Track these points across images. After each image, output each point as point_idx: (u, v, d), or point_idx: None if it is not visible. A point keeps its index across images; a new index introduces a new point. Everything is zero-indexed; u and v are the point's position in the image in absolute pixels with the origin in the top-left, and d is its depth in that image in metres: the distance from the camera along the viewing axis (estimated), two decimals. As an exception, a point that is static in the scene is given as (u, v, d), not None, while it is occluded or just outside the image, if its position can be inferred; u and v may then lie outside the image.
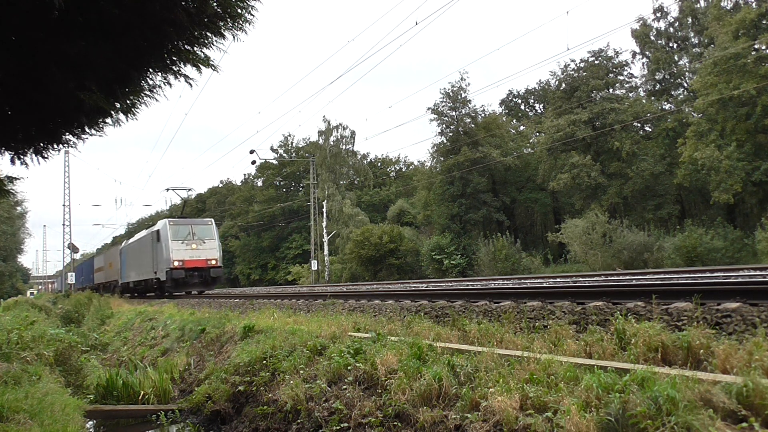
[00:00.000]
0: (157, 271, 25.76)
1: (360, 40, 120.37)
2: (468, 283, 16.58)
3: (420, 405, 4.64)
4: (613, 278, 11.30)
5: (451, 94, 39.38)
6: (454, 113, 39.89)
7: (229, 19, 5.04)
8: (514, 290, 8.52)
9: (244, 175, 79.39)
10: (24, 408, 6.15)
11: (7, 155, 6.10)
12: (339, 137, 51.68)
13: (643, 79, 37.55)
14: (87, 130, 6.03)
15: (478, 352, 5.10)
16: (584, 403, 3.59)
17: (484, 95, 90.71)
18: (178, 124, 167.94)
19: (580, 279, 12.10)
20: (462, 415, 4.24)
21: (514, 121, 51.51)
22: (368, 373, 5.64)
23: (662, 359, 4.33)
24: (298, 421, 5.96)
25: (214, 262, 25.45)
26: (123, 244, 37.50)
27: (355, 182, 60.00)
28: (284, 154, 69.73)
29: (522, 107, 55.50)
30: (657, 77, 36.32)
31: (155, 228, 27.05)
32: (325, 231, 47.42)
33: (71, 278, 48.24)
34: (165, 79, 5.52)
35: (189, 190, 30.93)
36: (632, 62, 37.54)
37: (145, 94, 5.73)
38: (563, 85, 37.18)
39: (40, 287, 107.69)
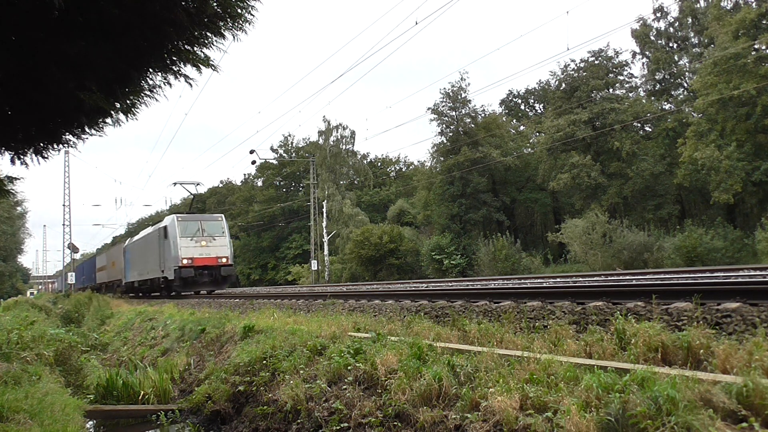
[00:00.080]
0: (165, 270, 24.48)
1: (360, 39, 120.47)
2: (468, 283, 16.58)
3: (420, 405, 4.64)
4: (613, 278, 11.31)
5: (451, 94, 39.40)
6: (454, 113, 39.91)
7: (229, 19, 5.04)
8: (514, 290, 8.52)
9: (244, 175, 79.45)
10: (24, 408, 6.15)
11: (7, 155, 6.11)
12: (339, 137, 51.70)
13: (643, 79, 37.59)
14: (87, 130, 6.03)
15: (478, 352, 5.10)
16: (584, 403, 3.59)
17: (484, 95, 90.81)
18: (178, 124, 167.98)
19: (580, 279, 12.10)
20: (462, 415, 4.24)
21: (514, 121, 51.53)
22: (368, 373, 5.64)
23: (662, 359, 4.33)
24: (298, 421, 5.96)
25: (225, 260, 24.10)
26: (127, 242, 36.12)
27: (355, 182, 60.01)
28: (284, 154, 69.75)
29: (522, 107, 55.51)
30: (657, 77, 36.34)
31: (162, 224, 25.67)
32: (325, 231, 47.43)
33: (71, 278, 48.01)
34: (165, 79, 5.53)
35: (197, 184, 28.65)
36: (632, 62, 37.62)
37: (145, 94, 5.74)
38: (563, 85, 37.19)
39: (40, 287, 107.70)
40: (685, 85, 35.30)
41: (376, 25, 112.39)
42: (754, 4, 27.67)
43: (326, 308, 10.83)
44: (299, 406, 6.04)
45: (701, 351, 4.18)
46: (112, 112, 5.86)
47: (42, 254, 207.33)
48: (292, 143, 70.18)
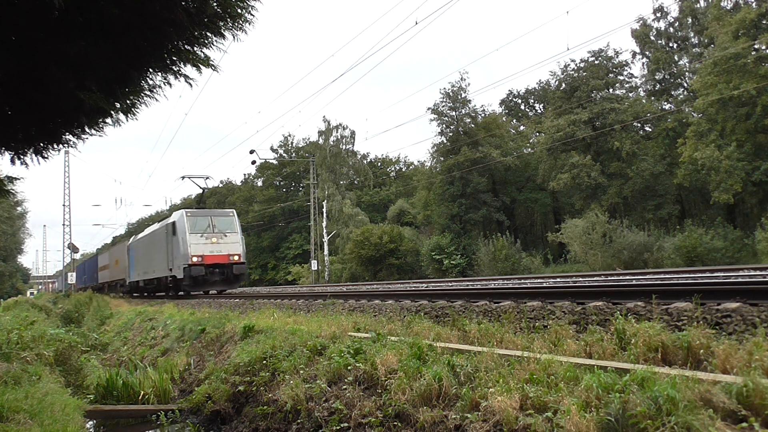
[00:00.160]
0: (173, 268, 23.13)
1: (360, 39, 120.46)
2: (468, 283, 16.58)
3: (420, 405, 4.64)
4: (613, 278, 11.31)
5: (451, 94, 39.42)
6: (454, 113, 39.92)
7: (229, 19, 5.04)
8: (514, 290, 8.52)
9: (244, 175, 79.45)
10: (24, 408, 6.15)
11: (7, 155, 6.12)
12: (339, 137, 51.72)
13: (643, 79, 37.61)
14: (87, 130, 6.04)
15: (478, 352, 5.10)
16: (584, 403, 3.59)
17: (484, 95, 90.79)
18: (178, 124, 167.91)
19: (580, 279, 12.11)
20: (462, 415, 4.24)
21: (514, 121, 51.55)
22: (368, 373, 5.64)
23: (662, 359, 4.33)
24: (298, 421, 5.96)
25: (237, 257, 22.81)
26: (131, 239, 34.59)
27: (355, 182, 60.02)
28: (284, 154, 69.77)
29: (522, 107, 55.53)
30: (657, 77, 36.35)
31: (170, 220, 24.30)
32: (325, 231, 47.44)
33: (71, 278, 47.88)
34: (165, 79, 5.53)
35: (207, 177, 26.67)
36: (632, 62, 37.65)
37: (145, 94, 5.74)
38: (563, 85, 37.20)
39: (40, 287, 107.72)
40: (685, 85, 35.31)
41: (376, 25, 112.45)
42: (754, 4, 27.68)
43: (326, 308, 10.83)
44: (299, 406, 6.04)
45: (701, 351, 4.18)
46: (112, 112, 5.87)
47: (42, 254, 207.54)
48: (292, 143, 70.25)
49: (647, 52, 36.84)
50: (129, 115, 5.94)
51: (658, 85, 36.73)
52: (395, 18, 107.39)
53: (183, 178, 26.06)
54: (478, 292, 9.04)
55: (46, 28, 4.46)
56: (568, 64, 36.72)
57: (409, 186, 53.19)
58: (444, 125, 39.96)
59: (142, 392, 9.47)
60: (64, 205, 48.53)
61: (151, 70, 5.39)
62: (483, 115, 41.02)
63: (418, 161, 67.69)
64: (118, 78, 5.26)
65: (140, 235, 31.72)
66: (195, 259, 21.84)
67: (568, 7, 75.65)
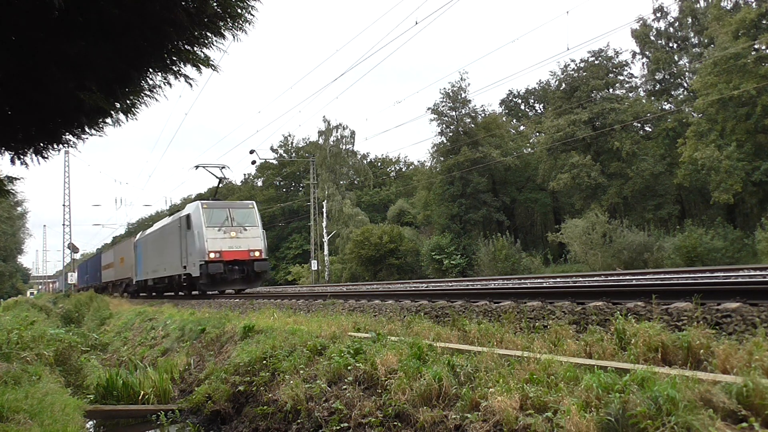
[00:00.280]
0: (188, 266, 21.16)
1: (360, 39, 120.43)
2: (468, 283, 16.58)
3: (420, 405, 4.64)
4: (613, 278, 11.31)
5: (451, 94, 39.43)
6: (454, 113, 39.93)
7: (229, 19, 5.05)
8: (514, 290, 8.52)
9: (244, 175, 79.36)
10: (24, 408, 6.15)
11: (7, 155, 6.12)
12: (339, 137, 51.73)
13: (643, 79, 37.62)
14: (87, 130, 6.04)
15: (478, 352, 5.10)
16: (584, 403, 3.59)
17: (484, 95, 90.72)
18: (178, 124, 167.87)
19: (580, 279, 12.10)
20: (462, 415, 4.24)
21: (514, 121, 51.56)
22: (368, 373, 5.64)
23: (662, 359, 4.33)
24: (298, 421, 5.96)
25: (258, 253, 20.78)
26: (138, 235, 32.29)
27: (355, 182, 60.03)
28: (284, 154, 69.78)
29: (522, 107, 55.54)
30: (657, 77, 36.35)
31: (184, 212, 22.17)
32: (325, 231, 47.43)
33: (71, 278, 47.67)
34: (165, 79, 5.53)
35: (223, 167, 24.26)
36: (632, 62, 37.67)
37: (145, 94, 5.74)
38: (563, 85, 37.21)
39: (40, 287, 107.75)
40: (685, 85, 35.31)
41: (376, 25, 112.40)
42: (754, 4, 27.69)
43: (326, 308, 10.83)
44: (299, 406, 6.04)
45: (701, 351, 4.18)
46: (112, 112, 5.87)
47: (42, 254, 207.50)
48: (292, 143, 70.26)
49: (647, 52, 36.84)
50: (129, 115, 5.95)
51: (658, 85, 36.74)
52: (395, 18, 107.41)
53: (197, 167, 23.86)
54: (478, 292, 9.04)
55: (46, 28, 4.46)
56: (568, 64, 36.80)
57: (409, 186, 53.20)
58: (444, 125, 39.99)
59: (142, 392, 9.47)
60: (64, 205, 48.61)
61: (151, 70, 5.39)
62: (483, 115, 41.05)
63: (418, 161, 67.80)
64: (118, 78, 5.26)
65: (149, 231, 29.63)
66: (212, 255, 19.87)
67: (568, 7, 75.66)
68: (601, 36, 61.16)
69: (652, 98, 37.04)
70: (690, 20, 35.18)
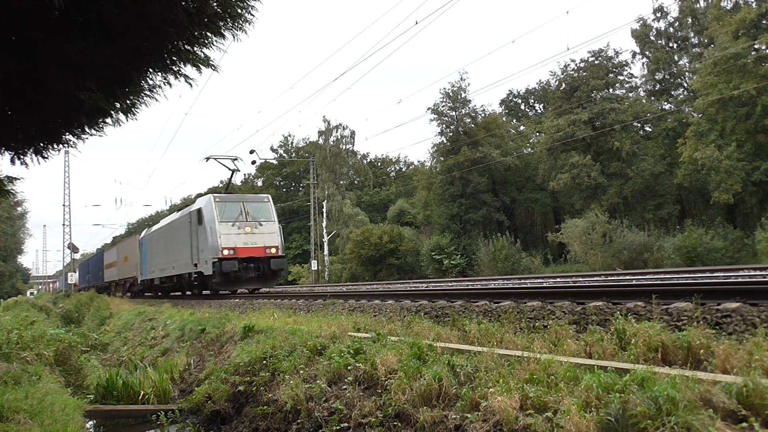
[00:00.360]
0: (199, 263, 19.81)
1: (360, 39, 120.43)
2: (468, 283, 16.57)
3: (420, 405, 4.64)
4: (613, 278, 11.30)
5: (451, 94, 39.44)
6: (454, 113, 39.94)
7: (229, 19, 5.05)
8: (514, 290, 8.52)
9: (244, 175, 79.42)
10: (24, 408, 6.15)
11: (7, 155, 6.12)
12: (339, 137, 51.75)
13: (643, 79, 37.63)
14: (87, 130, 6.04)
15: (478, 352, 5.10)
16: (584, 403, 3.59)
17: (484, 95, 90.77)
18: (178, 124, 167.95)
19: (580, 279, 12.10)
20: (462, 415, 4.24)
21: (514, 121, 51.57)
22: (368, 373, 5.64)
23: (662, 359, 4.33)
24: (298, 421, 5.97)
25: (274, 250, 19.46)
26: (144, 232, 30.85)
27: (355, 182, 60.04)
28: (284, 154, 69.78)
29: (522, 107, 55.55)
30: (657, 77, 36.36)
31: (195, 206, 20.85)
32: (325, 231, 47.43)
33: (71, 278, 47.51)
34: (165, 79, 5.53)
35: (236, 158, 22.69)
36: (632, 62, 37.67)
37: (145, 94, 5.74)
38: (563, 85, 37.22)
39: (40, 287, 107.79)
40: (685, 85, 35.32)
41: (376, 25, 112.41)
42: (754, 4, 27.69)
43: (326, 308, 10.82)
44: (299, 406, 6.04)
45: (701, 351, 4.18)
46: (112, 112, 5.87)
47: (42, 254, 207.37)
48: (292, 143, 70.26)
49: (647, 52, 36.85)
50: (129, 115, 5.95)
51: (658, 85, 36.74)
52: (395, 18, 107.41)
53: (208, 159, 22.40)
54: (478, 292, 9.04)
55: (46, 28, 4.46)
56: (568, 64, 36.80)
57: (409, 186, 53.20)
58: (444, 125, 40.00)
59: (142, 392, 9.47)
60: (64, 205, 48.65)
61: (151, 70, 5.39)
62: (483, 115, 41.06)
63: (418, 161, 67.79)
64: (118, 78, 5.26)
65: (156, 227, 28.14)
66: (226, 252, 18.55)
67: (568, 7, 75.68)
68: (601, 36, 61.25)
69: (652, 98, 37.05)
70: (690, 20, 35.18)
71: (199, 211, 19.93)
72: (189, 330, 12.74)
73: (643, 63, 37.55)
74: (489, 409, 4.05)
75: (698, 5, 34.78)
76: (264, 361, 7.68)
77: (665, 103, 37.04)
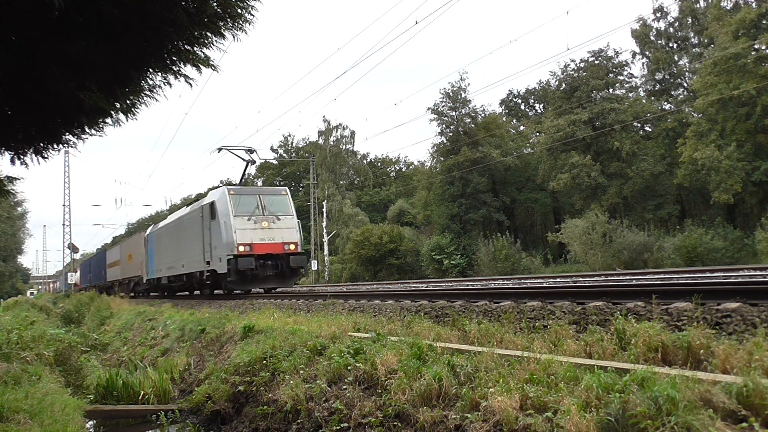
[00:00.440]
0: (212, 261, 18.49)
1: (360, 39, 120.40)
2: (468, 283, 16.58)
3: (420, 405, 4.64)
4: (613, 278, 11.31)
5: (450, 94, 39.44)
6: (454, 113, 39.95)
7: (229, 19, 5.05)
8: (514, 290, 8.52)
9: (245, 175, 79.39)
10: (24, 408, 6.15)
11: (7, 155, 6.13)
12: (339, 137, 51.81)
13: (643, 79, 37.63)
14: (87, 130, 6.04)
15: (478, 352, 5.10)
16: (584, 403, 3.59)
17: (484, 95, 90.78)
18: (178, 124, 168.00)
19: (580, 279, 12.10)
20: (462, 415, 4.24)
21: (514, 121, 51.57)
22: (368, 373, 5.64)
23: (662, 359, 4.33)
24: (298, 421, 5.97)
25: (293, 246, 18.06)
26: (150, 228, 29.36)
27: (355, 182, 60.05)
28: (284, 154, 69.81)
29: (522, 107, 55.55)
30: (657, 77, 36.37)
31: (207, 200, 19.51)
32: (325, 231, 47.45)
33: (71, 278, 47.42)
34: (165, 79, 5.54)
35: (251, 150, 21.16)
36: (632, 62, 37.66)
37: (145, 94, 5.75)
38: (563, 85, 37.22)
39: (40, 287, 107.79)
40: (685, 85, 35.32)
41: (376, 25, 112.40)
42: (754, 4, 27.70)
43: (326, 308, 10.82)
44: (299, 406, 6.04)
45: (701, 351, 4.18)
46: (112, 112, 5.87)
47: (42, 254, 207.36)
48: (292, 143, 70.30)
49: (647, 52, 36.85)
50: (129, 115, 5.95)
51: (658, 85, 36.75)
52: (395, 18, 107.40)
53: (220, 150, 20.88)
54: (478, 292, 9.04)
55: (46, 28, 4.46)
56: (568, 64, 36.79)
57: (409, 186, 53.21)
58: (444, 125, 40.01)
59: (142, 392, 9.48)
60: (64, 205, 48.68)
61: (151, 70, 5.40)
62: (483, 115, 41.06)
63: (418, 161, 67.78)
64: (118, 78, 5.26)
65: (163, 223, 26.54)
66: (242, 249, 17.20)
67: (568, 7, 75.71)
68: (601, 36, 61.28)
69: (652, 98, 37.05)
70: (690, 20, 35.19)
71: (212, 204, 18.58)
72: (189, 330, 12.74)
73: (643, 63, 37.61)
74: (489, 409, 4.05)
75: (698, 5, 34.78)
76: (264, 361, 7.68)
77: (665, 103, 37.06)
